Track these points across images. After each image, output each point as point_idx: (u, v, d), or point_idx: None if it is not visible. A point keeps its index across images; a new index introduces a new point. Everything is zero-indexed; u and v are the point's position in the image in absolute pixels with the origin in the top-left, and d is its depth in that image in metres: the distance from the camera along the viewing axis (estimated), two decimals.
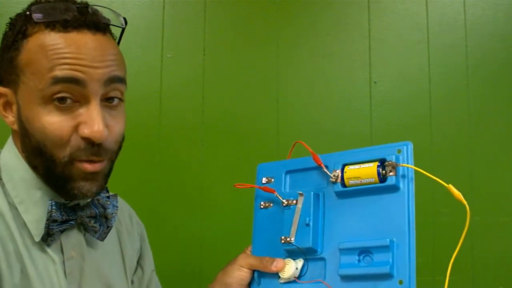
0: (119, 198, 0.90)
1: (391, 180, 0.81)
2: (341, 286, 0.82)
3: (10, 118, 0.81)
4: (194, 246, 1.38)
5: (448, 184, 0.78)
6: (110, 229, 0.85)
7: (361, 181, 0.83)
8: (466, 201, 0.77)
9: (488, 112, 1.46)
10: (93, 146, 0.76)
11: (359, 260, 0.81)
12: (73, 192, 0.78)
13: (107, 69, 0.77)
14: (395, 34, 1.47)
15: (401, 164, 0.81)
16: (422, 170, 0.80)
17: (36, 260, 0.78)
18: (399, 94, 1.46)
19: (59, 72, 0.75)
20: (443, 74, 1.46)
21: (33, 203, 0.79)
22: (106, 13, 0.82)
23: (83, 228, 0.84)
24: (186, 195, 1.39)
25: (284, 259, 0.88)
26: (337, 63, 1.46)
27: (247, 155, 1.41)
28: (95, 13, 0.80)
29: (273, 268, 0.87)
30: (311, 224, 0.86)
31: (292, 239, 0.86)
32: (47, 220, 0.78)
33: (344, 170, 0.85)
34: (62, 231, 0.81)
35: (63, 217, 0.79)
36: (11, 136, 0.84)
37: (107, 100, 0.79)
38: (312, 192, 0.87)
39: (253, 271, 0.91)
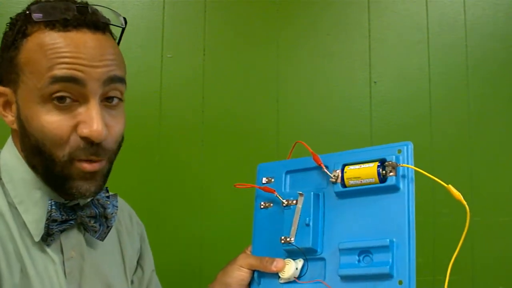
0: (119, 198, 0.90)
1: (391, 180, 0.81)
2: (341, 286, 0.82)
3: (10, 117, 0.81)
4: (194, 246, 1.38)
5: (448, 184, 0.78)
6: (110, 229, 0.85)
7: (361, 181, 0.83)
8: (466, 201, 0.77)
9: (488, 112, 1.46)
10: (92, 146, 0.76)
11: (359, 260, 0.81)
12: (72, 192, 0.78)
13: (106, 68, 0.77)
14: (395, 34, 1.47)
15: (401, 164, 0.81)
16: (422, 170, 0.80)
17: (35, 260, 0.78)
18: (399, 94, 1.46)
19: (58, 71, 0.75)
20: (443, 74, 1.47)
21: (33, 203, 0.79)
22: (106, 13, 0.82)
23: (83, 228, 0.84)
24: (186, 195, 1.39)
25: (284, 259, 0.88)
26: (337, 63, 1.46)
27: (247, 155, 1.41)
28: (95, 12, 0.80)
29: (273, 268, 0.87)
30: (311, 224, 0.86)
31: (292, 239, 0.86)
32: (46, 220, 0.78)
33: (344, 170, 0.85)
34: (62, 231, 0.81)
35: (63, 217, 0.79)
36: (11, 136, 0.84)
37: (106, 100, 0.79)
38: (312, 192, 0.87)
39: (253, 271, 0.91)
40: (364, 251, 0.81)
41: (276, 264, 0.87)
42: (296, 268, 0.86)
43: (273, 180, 0.94)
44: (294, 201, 0.88)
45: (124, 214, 0.99)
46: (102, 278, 0.86)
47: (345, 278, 0.82)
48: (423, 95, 1.46)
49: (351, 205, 0.85)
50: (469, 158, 1.44)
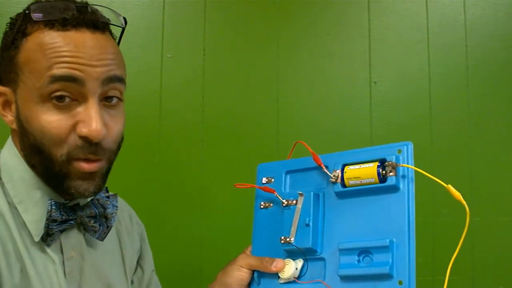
0: (119, 198, 0.90)
1: (391, 180, 0.81)
2: (341, 287, 0.82)
3: (9, 117, 0.81)
4: (194, 246, 1.38)
5: (447, 184, 0.78)
6: (110, 229, 0.85)
7: (361, 181, 0.83)
8: (466, 201, 0.77)
9: (488, 112, 1.46)
10: (91, 145, 0.76)
11: (358, 261, 0.81)
12: (71, 192, 0.78)
13: (106, 68, 0.77)
14: (395, 34, 1.47)
15: (401, 164, 0.81)
16: (422, 170, 0.80)
17: (35, 260, 0.78)
18: (399, 94, 1.46)
19: (57, 71, 0.75)
20: (443, 74, 1.46)
21: (33, 203, 0.79)
22: (106, 13, 0.82)
23: (83, 228, 0.84)
24: (186, 195, 1.39)
25: (284, 259, 0.88)
26: (337, 63, 1.46)
27: (247, 155, 1.41)
28: (94, 12, 0.80)
29: (273, 268, 0.87)
30: (311, 224, 0.86)
31: (292, 239, 0.86)
32: (46, 220, 0.78)
33: (344, 170, 0.85)
34: (61, 231, 0.81)
35: (63, 217, 0.79)
36: (10, 136, 0.84)
37: (106, 100, 0.79)
38: (312, 192, 0.87)
39: (253, 271, 0.91)
40: (364, 251, 0.81)
41: (276, 264, 0.87)
42: (296, 268, 0.86)
43: (273, 180, 0.94)
44: (294, 201, 0.88)
45: (124, 214, 0.99)
46: (102, 278, 0.86)
47: (345, 278, 0.82)
48: (423, 95, 1.46)
49: (351, 205, 0.85)
50: (469, 158, 1.44)
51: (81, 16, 0.77)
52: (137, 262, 1.00)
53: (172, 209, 1.38)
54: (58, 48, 0.75)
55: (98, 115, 0.76)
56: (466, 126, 1.45)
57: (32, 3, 0.79)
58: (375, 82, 1.45)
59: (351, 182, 0.84)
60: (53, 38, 0.76)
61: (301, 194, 0.88)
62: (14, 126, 0.80)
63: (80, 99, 0.76)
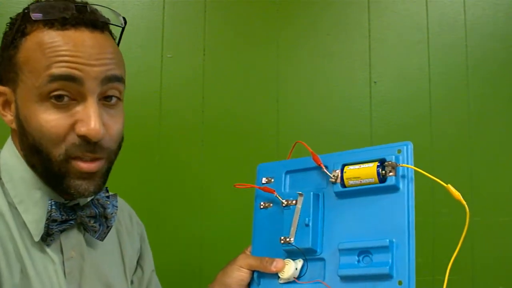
0: (119, 198, 0.90)
1: (390, 180, 0.81)
2: (341, 287, 0.82)
3: (9, 116, 0.81)
4: (194, 246, 1.38)
5: (447, 184, 0.78)
6: (110, 229, 0.85)
7: (360, 181, 0.83)
8: (466, 201, 0.77)
9: (488, 112, 1.46)
10: (89, 144, 0.76)
11: (358, 261, 0.81)
12: (71, 191, 0.78)
13: (105, 67, 0.77)
14: (395, 34, 1.47)
15: (400, 164, 0.81)
16: (422, 170, 0.80)
17: (35, 260, 0.78)
18: (399, 94, 1.46)
19: (56, 70, 0.75)
20: (443, 74, 1.46)
21: (33, 203, 0.79)
22: (105, 13, 0.82)
23: (83, 228, 0.84)
24: (186, 195, 1.39)
25: (284, 259, 0.88)
26: (337, 63, 1.46)
27: (247, 155, 1.41)
28: (94, 12, 0.80)
29: (273, 268, 0.87)
30: (310, 224, 0.86)
31: (292, 239, 0.86)
32: (46, 220, 0.78)
33: (344, 170, 0.85)
34: (61, 231, 0.81)
35: (63, 217, 0.79)
36: (10, 136, 0.84)
37: (105, 99, 0.79)
38: (311, 193, 0.87)
39: (253, 271, 0.91)
40: (364, 251, 0.81)
41: (276, 265, 0.87)
42: (296, 269, 0.86)
43: (273, 180, 0.94)
44: (294, 201, 0.88)
45: (124, 214, 0.99)
46: (102, 278, 0.86)
47: (345, 279, 0.82)
48: (423, 95, 1.46)
49: (350, 205, 0.85)
50: (469, 158, 1.44)
51: (80, 15, 0.77)
52: (137, 262, 1.00)
53: (172, 209, 1.38)
54: (57, 47, 0.75)
55: (97, 114, 0.76)
56: (466, 126, 1.45)
57: (31, 3, 0.79)
58: (375, 82, 1.45)
59: (351, 182, 0.84)
60: (52, 38, 0.76)
61: (300, 194, 0.88)
62: (14, 125, 0.80)
63: (79, 98, 0.76)
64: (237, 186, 0.94)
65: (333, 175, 0.86)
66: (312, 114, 1.44)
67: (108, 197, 0.85)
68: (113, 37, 0.83)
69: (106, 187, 0.86)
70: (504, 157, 1.45)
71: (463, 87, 1.46)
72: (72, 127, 0.76)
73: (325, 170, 0.87)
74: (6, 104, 0.81)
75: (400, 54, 1.47)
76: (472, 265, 1.40)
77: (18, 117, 0.79)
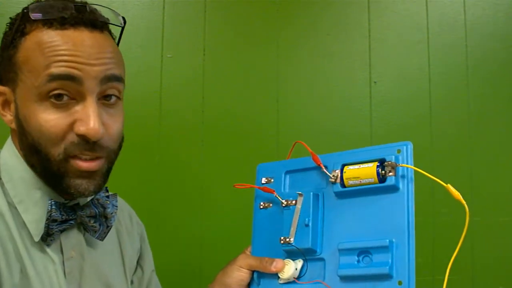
0: (119, 198, 0.90)
1: (390, 180, 0.81)
2: (341, 287, 0.82)
3: (8, 116, 0.81)
4: (194, 246, 1.38)
5: (447, 184, 0.78)
6: (110, 228, 0.85)
7: (360, 181, 0.83)
8: (466, 201, 0.77)
9: (488, 112, 1.46)
10: (88, 143, 0.76)
11: (358, 261, 0.81)
12: (70, 191, 0.78)
13: (104, 66, 0.77)
14: (395, 34, 1.47)
15: (400, 164, 0.81)
16: (422, 170, 0.80)
17: (35, 260, 0.78)
18: (399, 94, 1.46)
19: (55, 69, 0.75)
20: (443, 74, 1.46)
21: (33, 203, 0.79)
22: (105, 13, 0.82)
23: (83, 227, 0.84)
24: (186, 195, 1.39)
25: (284, 259, 0.88)
26: (337, 63, 1.46)
27: (247, 155, 1.41)
28: (93, 11, 0.80)
29: (273, 268, 0.87)
30: (310, 224, 0.86)
31: (292, 239, 0.86)
32: (46, 220, 0.78)
33: (344, 170, 0.85)
34: (61, 231, 0.81)
35: (63, 216, 0.79)
36: (10, 136, 0.84)
37: (104, 98, 0.79)
38: (311, 193, 0.87)
39: (253, 271, 0.91)
40: (364, 252, 0.81)
41: (276, 265, 0.87)
42: (296, 269, 0.86)
43: (272, 180, 0.94)
44: (294, 202, 0.88)
45: (124, 214, 0.99)
46: (102, 278, 0.86)
47: (345, 279, 0.82)
48: (423, 95, 1.46)
49: (350, 205, 0.85)
50: (469, 158, 1.44)
51: (79, 15, 0.77)
52: (137, 262, 1.00)
53: (172, 209, 1.38)
54: (56, 46, 0.75)
55: (96, 113, 0.76)
56: (466, 126, 1.45)
57: (31, 3, 0.79)
58: (375, 82, 1.45)
59: (351, 182, 0.84)
60: (52, 37, 0.76)
61: (300, 194, 0.88)
62: (14, 125, 0.80)
63: (78, 97, 0.76)
64: (236, 186, 0.94)
65: (333, 175, 0.85)
66: (312, 114, 1.44)
67: (108, 197, 0.85)
68: (112, 37, 0.83)
69: (106, 187, 0.86)
70: (504, 157, 1.45)
71: (463, 87, 1.46)
72: (71, 126, 0.76)
73: (325, 170, 0.87)
74: (6, 104, 0.81)
75: (400, 54, 1.47)
76: (472, 265, 1.40)
77: (17, 117, 0.79)
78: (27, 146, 0.78)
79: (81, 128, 0.75)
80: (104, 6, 0.82)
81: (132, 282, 0.97)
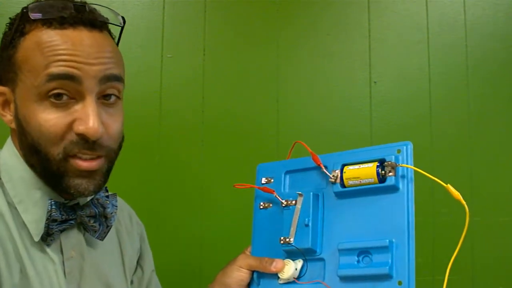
0: (118, 198, 0.90)
1: (390, 180, 0.81)
2: (340, 287, 0.82)
3: (8, 116, 0.81)
4: (194, 246, 1.38)
5: (447, 184, 0.78)
6: (110, 228, 0.85)
7: (360, 182, 0.83)
8: (466, 201, 0.77)
9: (488, 112, 1.46)
10: (87, 142, 0.76)
11: (358, 261, 0.81)
12: (70, 191, 0.78)
13: (103, 66, 0.77)
14: (395, 34, 1.47)
15: (400, 165, 0.81)
16: (422, 170, 0.80)
17: (35, 260, 0.78)
18: (399, 94, 1.46)
19: (54, 69, 0.75)
20: (443, 74, 1.46)
21: (33, 203, 0.79)
22: (104, 12, 0.82)
23: (83, 227, 0.84)
24: (186, 195, 1.39)
25: (284, 259, 0.88)
26: (337, 63, 1.46)
27: (247, 155, 1.41)
28: (92, 11, 0.80)
29: (273, 268, 0.87)
30: (310, 224, 0.86)
31: (292, 239, 0.86)
32: (46, 220, 0.78)
33: (344, 170, 0.85)
34: (61, 231, 0.81)
35: (63, 216, 0.79)
36: (10, 136, 0.84)
37: (104, 98, 0.79)
38: (311, 193, 0.87)
39: (253, 271, 0.91)
40: (364, 252, 0.81)
41: (276, 265, 0.87)
42: (296, 269, 0.86)
43: (272, 180, 0.94)
44: (294, 202, 0.88)
45: (124, 214, 0.99)
46: (102, 278, 0.86)
47: (345, 279, 0.82)
48: (423, 95, 1.46)
49: (350, 206, 0.85)
50: (469, 158, 1.44)
51: (79, 14, 0.77)
52: (137, 262, 1.00)
53: (172, 209, 1.38)
54: (56, 46, 0.75)
55: (95, 113, 0.76)
56: (466, 126, 1.45)
57: (30, 3, 0.79)
58: (375, 82, 1.45)
59: (351, 182, 0.84)
60: (51, 37, 0.76)
61: (300, 195, 0.88)
62: (13, 125, 0.80)
63: (77, 97, 0.76)
64: (236, 186, 0.94)
65: (333, 175, 0.85)
66: (312, 114, 1.44)
67: (107, 196, 0.85)
68: (112, 37, 0.83)
69: (106, 187, 0.86)
70: (504, 157, 1.45)
71: (463, 87, 1.46)
72: (71, 125, 0.76)
73: (325, 170, 0.87)
74: (6, 104, 0.81)
75: (400, 54, 1.47)
76: (472, 265, 1.40)
77: (17, 117, 0.79)
78: (27, 146, 0.78)
79: (80, 127, 0.75)
80: (103, 6, 0.82)
81: (132, 282, 0.97)
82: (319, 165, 0.88)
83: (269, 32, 1.45)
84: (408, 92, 1.46)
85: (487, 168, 1.44)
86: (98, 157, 0.78)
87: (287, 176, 0.93)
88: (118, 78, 0.79)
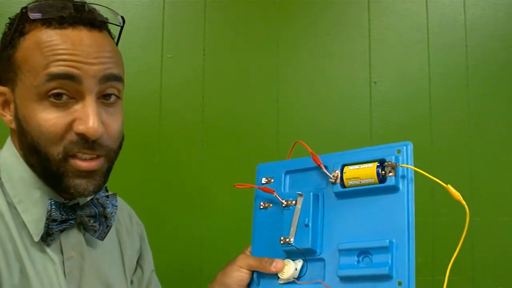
0: (118, 198, 0.90)
1: (390, 180, 0.81)
2: (340, 287, 0.82)
3: (8, 116, 0.81)
4: (194, 246, 1.38)
5: (447, 184, 0.78)
6: (110, 228, 0.85)
7: (360, 182, 0.83)
8: (466, 201, 0.77)
9: (488, 112, 1.46)
10: (87, 142, 0.76)
11: (358, 261, 0.81)
12: (70, 191, 0.78)
13: (103, 66, 0.77)
14: (395, 34, 1.47)
15: (400, 165, 0.81)
16: (422, 170, 0.80)
17: (35, 260, 0.78)
18: (399, 94, 1.46)
19: (54, 69, 0.75)
20: (443, 74, 1.46)
21: (33, 202, 0.79)
22: (104, 12, 0.82)
23: (83, 227, 0.84)
24: (186, 195, 1.39)
25: (284, 259, 0.88)
26: (337, 63, 1.46)
27: (247, 155, 1.41)
28: (92, 11, 0.80)
29: (272, 268, 0.87)
30: (310, 224, 0.86)
31: (292, 239, 0.86)
32: (46, 220, 0.78)
33: (344, 171, 0.85)
34: (61, 231, 0.81)
35: (63, 216, 0.79)
36: (10, 136, 0.84)
37: (103, 97, 0.79)
38: (311, 193, 0.87)
39: (253, 271, 0.91)
40: (364, 252, 0.81)
41: (276, 265, 0.87)
42: (296, 269, 0.86)
43: (272, 180, 0.94)
44: (294, 202, 0.88)
45: (124, 214, 0.99)
46: (101, 278, 0.86)
47: (344, 279, 0.82)
48: (423, 95, 1.45)
49: (350, 206, 0.85)
50: (469, 158, 1.44)
51: (78, 14, 0.77)
52: (137, 262, 1.00)
53: (172, 209, 1.38)
54: (55, 46, 0.75)
55: (95, 112, 0.76)
56: (466, 126, 1.45)
57: (30, 3, 0.79)
58: (375, 82, 1.45)
59: (351, 182, 0.84)
60: (50, 36, 0.76)
61: (300, 195, 0.88)
62: (13, 125, 0.80)
63: (77, 97, 0.76)
64: (236, 186, 0.94)
65: (333, 176, 0.85)
66: (312, 114, 1.44)
67: (107, 196, 0.85)
68: (112, 37, 0.83)
69: (106, 187, 0.86)
70: (504, 157, 1.45)
71: (463, 87, 1.46)
72: (71, 125, 0.76)
73: (325, 171, 0.87)
74: (6, 104, 0.81)
75: (400, 54, 1.47)
76: (472, 265, 1.40)
77: (17, 117, 0.79)
78: (27, 145, 0.78)
79: (80, 127, 0.75)
80: (103, 6, 0.82)
81: (132, 282, 0.97)
82: (319, 165, 0.88)
83: (269, 32, 1.45)
84: (408, 92, 1.46)
85: (487, 168, 1.44)
86: (98, 157, 0.78)
87: (287, 176, 0.93)
88: (118, 78, 0.79)
